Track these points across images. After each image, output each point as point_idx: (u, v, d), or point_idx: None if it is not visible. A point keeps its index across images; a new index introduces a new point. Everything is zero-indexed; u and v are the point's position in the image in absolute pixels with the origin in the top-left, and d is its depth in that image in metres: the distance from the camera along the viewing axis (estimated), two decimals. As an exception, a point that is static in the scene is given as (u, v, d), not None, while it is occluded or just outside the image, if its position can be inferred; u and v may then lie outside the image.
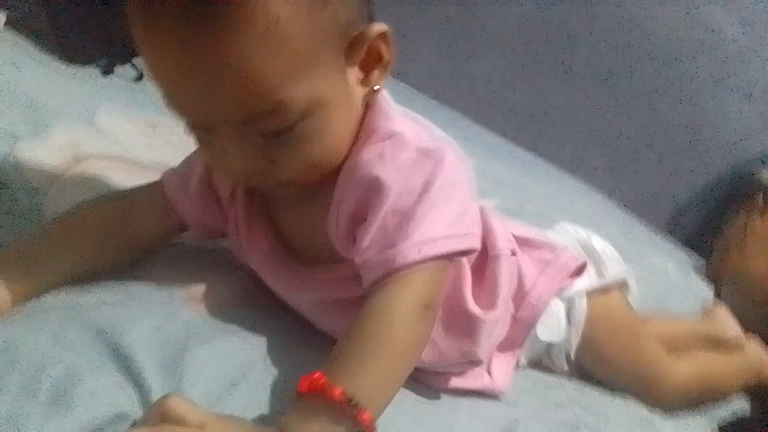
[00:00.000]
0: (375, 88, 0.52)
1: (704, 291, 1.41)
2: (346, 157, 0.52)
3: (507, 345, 0.67)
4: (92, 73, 0.94)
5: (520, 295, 0.67)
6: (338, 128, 0.49)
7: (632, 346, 0.76)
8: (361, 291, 0.50)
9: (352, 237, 0.51)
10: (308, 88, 0.45)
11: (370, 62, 0.50)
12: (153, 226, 0.60)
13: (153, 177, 0.71)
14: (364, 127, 0.52)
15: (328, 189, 0.52)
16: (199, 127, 0.48)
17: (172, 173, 0.60)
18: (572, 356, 0.73)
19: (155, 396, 0.41)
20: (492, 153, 1.87)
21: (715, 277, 1.54)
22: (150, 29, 0.42)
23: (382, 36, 0.49)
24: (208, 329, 0.51)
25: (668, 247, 1.79)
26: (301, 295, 0.58)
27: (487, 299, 0.60)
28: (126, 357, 0.43)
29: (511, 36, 2.20)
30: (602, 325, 0.73)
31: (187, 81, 0.43)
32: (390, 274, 0.47)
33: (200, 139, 0.49)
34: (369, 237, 0.49)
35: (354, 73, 0.50)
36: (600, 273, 0.75)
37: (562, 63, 2.16)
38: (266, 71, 0.42)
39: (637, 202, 2.11)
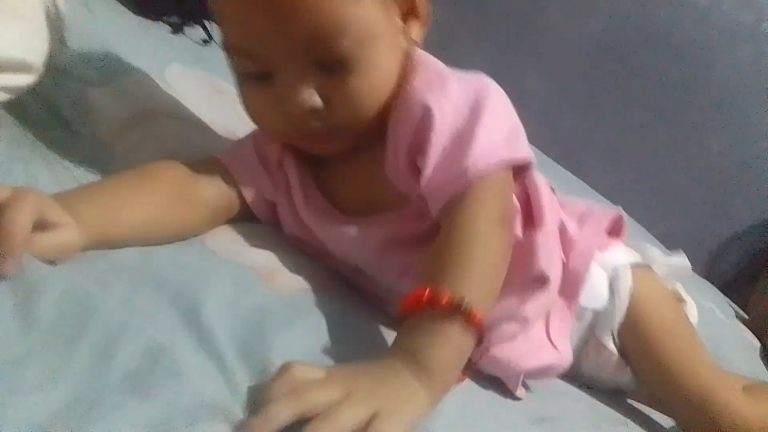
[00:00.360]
0: (415, 40, 0.57)
1: (754, 342, 1.35)
2: (393, 103, 0.54)
3: (563, 296, 0.63)
4: (162, 29, 0.90)
5: (567, 245, 0.64)
6: (386, 66, 0.53)
7: (684, 342, 0.67)
8: (425, 225, 0.53)
9: (414, 169, 0.53)
10: (364, 15, 0.50)
11: (409, 15, 0.56)
12: (218, 194, 0.58)
13: (220, 140, 0.68)
14: (408, 75, 0.55)
15: (379, 139, 0.55)
16: (258, 74, 0.51)
17: (224, 151, 0.60)
18: (616, 333, 0.66)
19: (240, 383, 0.36)
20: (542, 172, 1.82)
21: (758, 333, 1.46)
22: None
23: None
24: (284, 311, 0.46)
25: (712, 290, 1.73)
26: (365, 243, 0.56)
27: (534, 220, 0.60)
28: (205, 333, 0.38)
29: (571, 55, 2.15)
30: (650, 305, 0.66)
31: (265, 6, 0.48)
32: (459, 192, 0.49)
33: (256, 93, 0.53)
34: (432, 163, 0.51)
35: (398, 22, 0.55)
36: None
37: (619, 90, 2.11)
38: None
39: (675, 241, 2.06)
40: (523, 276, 0.58)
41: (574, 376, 0.68)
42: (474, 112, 0.52)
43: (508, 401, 0.57)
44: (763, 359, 1.27)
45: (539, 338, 0.61)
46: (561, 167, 2.11)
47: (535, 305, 0.58)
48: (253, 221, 0.61)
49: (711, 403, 0.65)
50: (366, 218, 0.57)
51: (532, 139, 2.09)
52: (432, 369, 0.41)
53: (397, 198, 0.56)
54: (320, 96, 0.51)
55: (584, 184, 2.08)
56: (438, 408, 0.42)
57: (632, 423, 0.66)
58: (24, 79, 0.48)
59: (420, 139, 0.52)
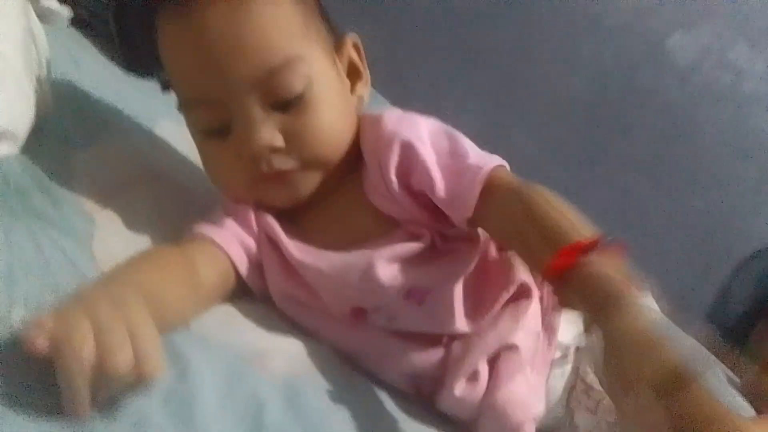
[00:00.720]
0: (361, 96, 0.62)
1: (748, 409, 1.32)
2: (366, 141, 0.58)
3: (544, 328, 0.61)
4: (152, 85, 0.88)
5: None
6: (338, 104, 0.57)
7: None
8: (418, 246, 0.55)
9: (412, 193, 0.56)
10: (310, 56, 0.55)
11: (351, 73, 0.61)
12: (215, 274, 0.55)
13: (204, 204, 0.65)
14: (363, 124, 0.59)
15: (350, 177, 0.58)
16: (217, 128, 0.54)
17: (202, 225, 0.57)
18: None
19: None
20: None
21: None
22: (186, 18, 0.53)
23: (356, 46, 0.63)
24: (278, 398, 0.44)
25: (707, 356, 1.71)
26: (363, 272, 0.55)
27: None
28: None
29: (556, 113, 2.17)
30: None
31: (221, 47, 0.52)
32: (481, 190, 0.53)
33: (217, 148, 0.55)
34: (437, 175, 0.54)
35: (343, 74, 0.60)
36: None
37: (604, 149, 2.13)
38: (279, 30, 0.53)
39: (662, 298, 2.05)
40: (508, 291, 0.58)
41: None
42: (450, 136, 0.58)
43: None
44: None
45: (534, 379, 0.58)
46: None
47: (527, 326, 0.58)
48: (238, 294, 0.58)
49: None
50: (357, 248, 0.56)
51: None
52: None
53: (384, 224, 0.58)
54: (282, 131, 0.54)
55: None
56: None
57: None
58: (6, 149, 0.45)
59: (407, 169, 0.55)
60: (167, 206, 0.63)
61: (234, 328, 0.52)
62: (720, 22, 2.09)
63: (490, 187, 0.54)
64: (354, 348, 0.57)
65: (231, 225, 0.57)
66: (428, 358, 0.56)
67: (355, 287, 0.55)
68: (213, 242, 0.56)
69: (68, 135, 0.63)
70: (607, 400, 0.62)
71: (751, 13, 2.09)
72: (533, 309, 0.59)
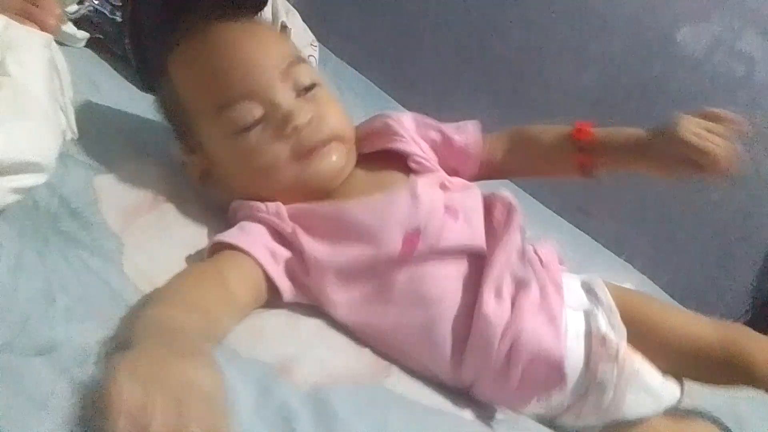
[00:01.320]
0: None
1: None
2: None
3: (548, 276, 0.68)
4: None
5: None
6: (337, 103, 0.69)
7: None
8: (436, 176, 0.69)
9: (434, 143, 0.73)
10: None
11: None
12: (246, 284, 0.57)
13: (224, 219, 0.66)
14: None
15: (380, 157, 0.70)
16: (257, 119, 0.63)
17: (227, 235, 0.60)
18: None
19: None
20: (540, 223, 1.81)
21: None
22: (209, 35, 0.67)
23: None
24: (306, 408, 0.45)
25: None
26: (405, 198, 0.64)
27: None
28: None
29: (568, 109, 2.16)
30: (633, 297, 0.73)
31: (249, 47, 0.66)
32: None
33: (261, 136, 0.63)
34: (448, 129, 0.75)
35: None
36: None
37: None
38: (284, 40, 0.77)
39: (679, 292, 2.03)
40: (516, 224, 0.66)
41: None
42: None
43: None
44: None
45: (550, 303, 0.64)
46: (563, 220, 2.11)
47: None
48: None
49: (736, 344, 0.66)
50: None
51: (534, 192, 2.08)
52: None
53: (403, 173, 0.68)
54: (310, 110, 0.64)
55: (588, 237, 2.07)
56: None
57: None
58: (36, 179, 0.47)
59: (423, 126, 0.73)
60: (190, 224, 0.65)
61: (262, 339, 0.54)
62: (729, 12, 2.07)
63: (490, 134, 0.75)
64: (407, 286, 0.61)
65: (257, 229, 0.61)
66: (469, 277, 0.63)
67: (405, 209, 0.62)
68: (241, 250, 0.58)
69: (92, 159, 0.64)
70: (624, 344, 0.65)
71: (760, 1, 2.07)
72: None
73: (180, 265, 0.59)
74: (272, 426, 0.43)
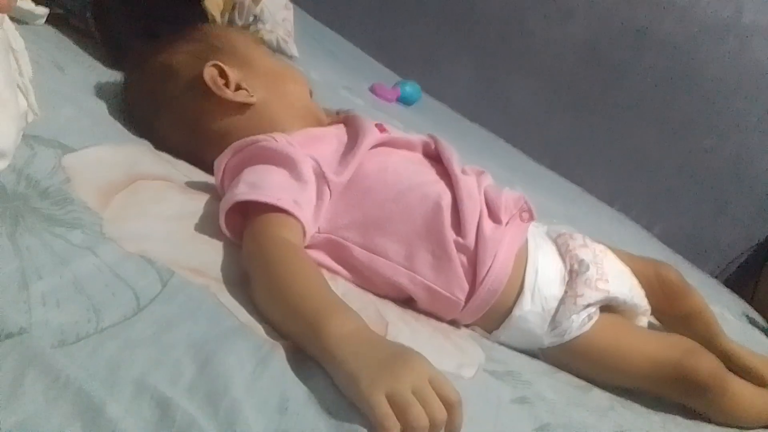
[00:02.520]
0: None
1: (760, 337, 1.33)
2: None
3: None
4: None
5: None
6: None
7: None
8: None
9: None
10: None
11: None
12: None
13: (203, 199, 0.65)
14: None
15: None
16: None
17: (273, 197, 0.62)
18: None
19: None
20: (531, 180, 1.80)
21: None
22: None
23: None
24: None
25: (719, 292, 1.71)
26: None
27: None
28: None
29: (554, 61, 2.14)
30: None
31: None
32: None
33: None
34: None
35: None
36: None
37: (606, 92, 2.10)
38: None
39: (673, 239, 2.04)
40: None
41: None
42: None
43: None
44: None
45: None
46: (556, 175, 2.09)
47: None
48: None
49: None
50: None
51: (524, 148, 2.08)
52: None
53: None
54: None
55: (580, 190, 2.06)
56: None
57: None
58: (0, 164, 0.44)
59: None
60: (169, 198, 0.63)
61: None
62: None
63: None
64: (431, 184, 0.74)
65: (278, 181, 0.64)
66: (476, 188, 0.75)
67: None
68: (288, 213, 0.61)
69: (59, 139, 0.62)
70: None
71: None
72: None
73: (166, 232, 0.58)
74: (265, 399, 0.43)
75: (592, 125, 2.17)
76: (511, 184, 1.56)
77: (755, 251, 2.06)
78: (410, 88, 1.88)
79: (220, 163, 0.67)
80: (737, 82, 2.06)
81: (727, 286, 1.90)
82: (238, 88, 0.75)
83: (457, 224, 0.71)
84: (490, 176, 0.81)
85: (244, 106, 0.75)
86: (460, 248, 0.71)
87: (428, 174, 0.76)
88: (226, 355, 0.45)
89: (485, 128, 2.08)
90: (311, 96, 0.84)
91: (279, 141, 0.67)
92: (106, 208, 0.57)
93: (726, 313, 1.42)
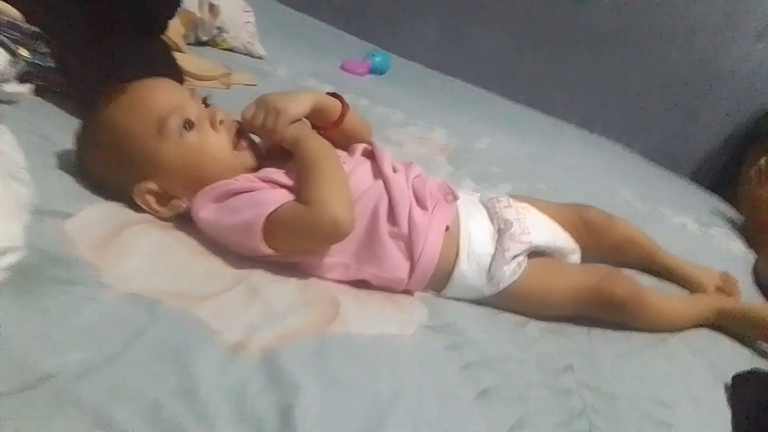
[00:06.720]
0: None
1: (724, 240, 1.45)
2: None
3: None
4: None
5: None
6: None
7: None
8: None
9: None
10: None
11: None
12: None
13: (178, 233, 0.80)
14: None
15: None
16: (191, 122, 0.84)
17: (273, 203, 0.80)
18: None
19: None
20: (509, 124, 1.90)
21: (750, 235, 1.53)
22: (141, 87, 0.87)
23: None
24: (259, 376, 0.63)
25: (689, 200, 1.81)
26: None
27: None
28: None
29: (512, 6, 2.19)
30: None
31: (171, 86, 0.88)
32: None
33: (201, 133, 0.84)
34: None
35: None
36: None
37: (566, 25, 2.15)
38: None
39: (655, 152, 2.12)
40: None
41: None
42: None
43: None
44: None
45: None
46: (534, 111, 2.18)
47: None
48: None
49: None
50: None
51: (500, 90, 2.22)
52: None
53: None
54: None
55: (558, 122, 2.15)
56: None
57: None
58: (11, 258, 0.61)
59: None
60: (152, 237, 0.79)
61: (227, 313, 0.70)
62: None
63: None
64: (369, 190, 0.88)
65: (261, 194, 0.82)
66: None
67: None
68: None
69: (61, 209, 0.78)
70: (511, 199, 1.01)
71: None
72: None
73: (151, 267, 0.75)
74: (232, 399, 0.59)
75: (558, 58, 2.24)
76: (490, 134, 1.68)
77: (730, 153, 2.13)
78: (379, 57, 1.99)
79: (198, 210, 0.82)
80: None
81: (709, 188, 1.99)
82: (168, 198, 0.83)
83: (393, 217, 0.86)
84: (417, 167, 0.95)
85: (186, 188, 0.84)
86: (397, 236, 0.86)
87: (367, 178, 0.90)
88: (199, 360, 0.62)
89: (459, 79, 2.17)
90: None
91: (239, 179, 0.83)
92: (102, 259, 0.73)
93: (690, 222, 1.54)
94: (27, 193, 0.73)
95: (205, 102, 0.87)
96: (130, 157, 0.82)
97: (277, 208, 0.78)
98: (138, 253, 0.77)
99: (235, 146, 0.87)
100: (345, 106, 0.94)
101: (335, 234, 0.78)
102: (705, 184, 2.06)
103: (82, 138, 0.85)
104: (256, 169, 0.87)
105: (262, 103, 0.87)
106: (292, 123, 0.87)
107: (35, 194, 0.75)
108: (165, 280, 0.74)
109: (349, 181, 0.84)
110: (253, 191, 0.81)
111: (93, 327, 0.64)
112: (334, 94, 0.94)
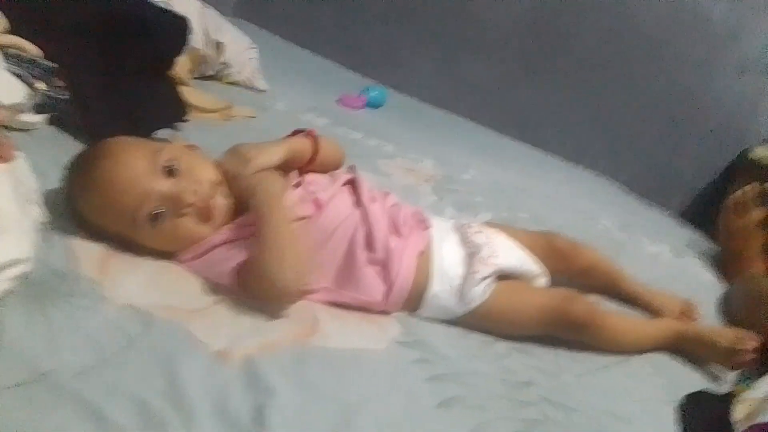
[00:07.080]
0: None
1: (696, 269, 1.51)
2: None
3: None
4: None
5: None
6: (196, 154, 0.96)
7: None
8: None
9: None
10: None
11: None
12: None
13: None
14: None
15: None
16: (162, 212, 0.87)
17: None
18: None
19: None
20: (497, 155, 1.99)
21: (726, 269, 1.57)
22: (99, 176, 0.87)
23: None
24: (242, 382, 0.69)
25: (667, 231, 1.87)
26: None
27: None
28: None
29: (504, 38, 2.29)
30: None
31: (132, 173, 0.87)
32: None
33: (175, 220, 0.87)
34: None
35: None
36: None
37: (556, 58, 2.25)
38: None
39: (641, 184, 2.19)
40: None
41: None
42: None
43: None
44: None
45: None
46: (523, 143, 2.27)
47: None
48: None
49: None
50: None
51: (490, 124, 2.33)
52: None
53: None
54: None
55: (547, 156, 2.23)
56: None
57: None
58: (22, 269, 0.69)
59: None
60: (146, 259, 0.87)
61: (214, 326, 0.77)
62: None
63: None
64: (348, 220, 0.95)
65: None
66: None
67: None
68: None
69: (66, 227, 0.87)
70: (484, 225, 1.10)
71: None
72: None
73: (146, 283, 0.83)
74: (213, 400, 0.66)
75: (548, 91, 2.33)
76: (477, 165, 1.77)
77: (714, 182, 2.19)
78: (375, 92, 2.09)
79: (180, 262, 0.89)
80: (678, 30, 2.18)
81: (693, 219, 2.06)
82: None
83: (371, 243, 0.94)
84: (393, 196, 1.04)
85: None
86: (374, 262, 0.94)
87: (346, 207, 0.98)
88: (186, 366, 0.69)
89: (452, 113, 2.26)
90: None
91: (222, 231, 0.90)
92: (103, 275, 0.81)
93: (666, 251, 1.60)
94: (38, 213, 0.81)
95: (169, 167, 0.87)
96: (115, 231, 0.87)
97: (238, 272, 0.85)
98: (136, 270, 0.85)
99: (208, 218, 0.89)
100: (316, 145, 1.00)
101: (282, 299, 0.85)
102: (689, 215, 2.13)
103: (72, 207, 0.89)
104: (240, 213, 0.92)
105: (234, 151, 0.93)
106: (259, 172, 0.91)
107: (46, 214, 0.84)
108: (159, 295, 0.81)
109: (329, 207, 0.92)
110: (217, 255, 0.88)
111: (92, 334, 0.71)
112: (305, 131, 1.01)
